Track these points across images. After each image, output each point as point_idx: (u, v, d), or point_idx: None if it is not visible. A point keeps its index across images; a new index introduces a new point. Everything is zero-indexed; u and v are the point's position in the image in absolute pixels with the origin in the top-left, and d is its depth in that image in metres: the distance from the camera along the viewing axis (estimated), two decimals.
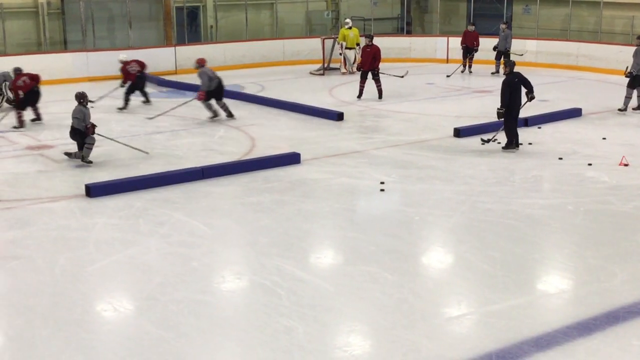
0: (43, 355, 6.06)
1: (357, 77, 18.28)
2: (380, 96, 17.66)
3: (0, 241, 8.75)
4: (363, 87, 17.74)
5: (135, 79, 16.80)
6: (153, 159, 12.22)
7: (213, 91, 15.13)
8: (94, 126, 11.89)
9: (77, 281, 7.52)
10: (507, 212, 9.58)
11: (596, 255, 8.19)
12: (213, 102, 15.29)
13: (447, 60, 22.77)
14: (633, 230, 8.98)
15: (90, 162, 11.85)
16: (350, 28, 21.67)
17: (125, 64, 16.90)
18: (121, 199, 10.12)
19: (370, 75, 17.62)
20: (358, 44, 21.62)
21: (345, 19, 23.12)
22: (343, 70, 22.14)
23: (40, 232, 8.91)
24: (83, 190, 10.34)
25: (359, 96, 17.74)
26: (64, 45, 22.91)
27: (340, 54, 22.00)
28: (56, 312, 6.83)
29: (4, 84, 16.54)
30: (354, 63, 21.73)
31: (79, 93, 12.01)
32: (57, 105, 16.83)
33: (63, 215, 9.55)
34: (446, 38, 24.34)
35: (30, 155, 12.60)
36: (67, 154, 12.13)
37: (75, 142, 12.06)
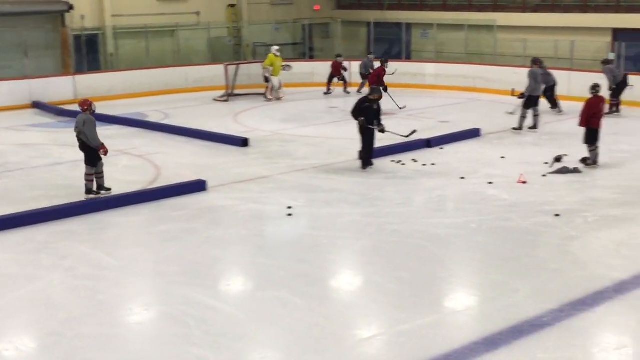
0: None
1: (277, 104, 18.46)
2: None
3: None
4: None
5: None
6: (54, 190, 11.89)
7: None
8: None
9: None
10: (413, 232, 9.75)
11: (499, 272, 8.42)
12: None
13: (349, 84, 23.09)
14: (533, 245, 9.28)
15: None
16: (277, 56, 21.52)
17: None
18: (20, 233, 9.80)
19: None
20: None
21: (274, 46, 22.66)
22: (269, 96, 21.85)
23: None
24: None
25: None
26: None
27: (267, 80, 21.70)
28: None
29: None
30: (279, 89, 21.64)
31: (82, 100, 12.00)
32: None
33: None
34: (348, 62, 24.68)
35: None
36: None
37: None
